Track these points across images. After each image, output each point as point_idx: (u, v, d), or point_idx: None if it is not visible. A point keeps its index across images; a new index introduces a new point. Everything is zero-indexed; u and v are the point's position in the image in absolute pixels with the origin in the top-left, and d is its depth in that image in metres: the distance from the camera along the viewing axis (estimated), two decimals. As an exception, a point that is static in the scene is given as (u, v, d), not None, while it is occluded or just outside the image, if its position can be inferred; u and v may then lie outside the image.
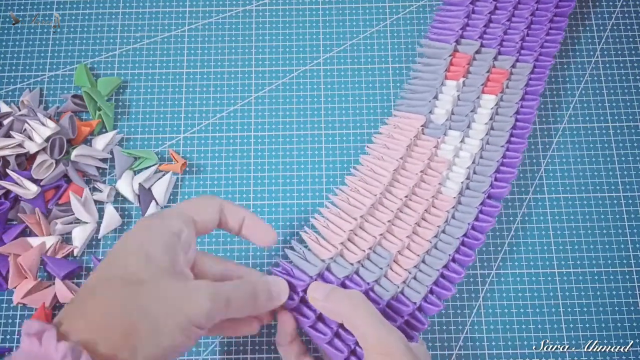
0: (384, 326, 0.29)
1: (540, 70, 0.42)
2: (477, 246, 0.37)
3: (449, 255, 0.36)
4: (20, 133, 0.41)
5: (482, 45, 0.42)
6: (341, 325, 0.32)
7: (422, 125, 0.40)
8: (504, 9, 0.43)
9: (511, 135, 0.40)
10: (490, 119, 0.40)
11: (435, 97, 0.41)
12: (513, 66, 0.42)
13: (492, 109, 0.40)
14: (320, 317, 0.34)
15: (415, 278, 0.35)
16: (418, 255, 0.36)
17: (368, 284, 0.35)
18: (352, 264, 0.35)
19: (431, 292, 0.35)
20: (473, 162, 0.39)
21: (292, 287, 0.34)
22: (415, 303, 0.34)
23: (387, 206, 0.38)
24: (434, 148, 0.39)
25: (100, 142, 0.43)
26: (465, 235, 0.37)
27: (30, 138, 0.40)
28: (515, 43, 0.42)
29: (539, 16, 0.43)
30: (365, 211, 0.37)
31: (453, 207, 0.38)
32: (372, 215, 0.37)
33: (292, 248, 0.36)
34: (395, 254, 0.36)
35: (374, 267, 0.35)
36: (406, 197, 0.38)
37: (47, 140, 0.40)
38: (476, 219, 0.37)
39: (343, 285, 0.35)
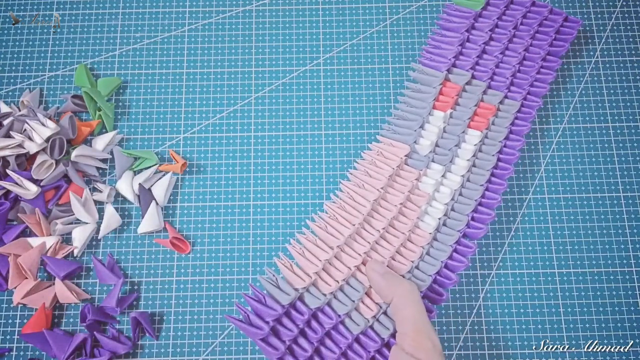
0: (423, 323, 0.32)
1: (527, 111, 0.41)
2: (449, 286, 0.37)
3: (421, 292, 0.36)
4: (20, 133, 0.41)
5: (473, 77, 0.42)
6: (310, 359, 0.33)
7: (405, 155, 0.40)
8: (498, 41, 0.43)
9: (491, 175, 0.40)
10: (474, 155, 0.40)
11: (422, 127, 0.41)
12: (501, 102, 0.41)
13: (476, 145, 0.40)
14: (289, 349, 0.34)
15: (385, 313, 0.35)
16: None
17: (339, 316, 0.35)
18: (324, 295, 0.35)
19: None
20: (452, 199, 0.39)
21: (263, 316, 0.34)
22: (383, 339, 0.34)
23: (365, 237, 0.37)
24: (415, 180, 0.39)
25: (100, 143, 0.43)
26: (438, 273, 0.37)
27: (30, 138, 0.40)
28: (505, 78, 0.42)
29: (532, 53, 0.43)
30: (343, 241, 0.37)
31: (428, 244, 0.38)
32: (349, 246, 0.37)
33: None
34: (368, 287, 0.36)
35: (347, 300, 0.35)
36: (383, 229, 0.38)
37: (47, 140, 0.40)
38: (450, 257, 0.37)
39: (314, 317, 0.35)
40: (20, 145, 0.40)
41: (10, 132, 0.41)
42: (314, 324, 0.35)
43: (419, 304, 0.33)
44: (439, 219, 0.38)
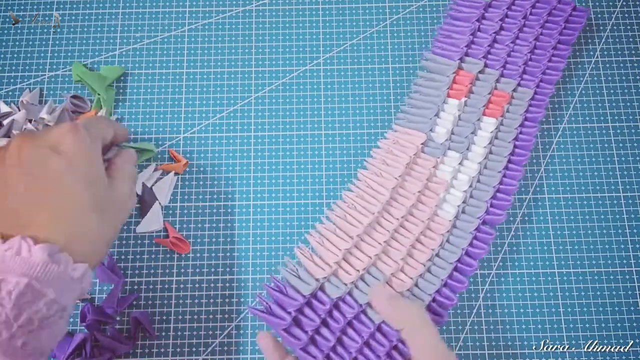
0: (437, 347, 0.31)
1: (540, 98, 0.42)
2: (470, 273, 0.37)
3: (442, 280, 0.36)
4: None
5: (485, 66, 0.42)
6: (332, 349, 0.33)
7: (422, 143, 0.40)
8: (509, 31, 0.43)
9: (509, 161, 0.40)
10: (490, 142, 0.40)
11: (437, 115, 0.41)
12: (514, 90, 0.42)
13: (492, 132, 0.40)
14: (312, 339, 0.34)
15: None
16: (411, 278, 0.36)
17: (361, 305, 0.35)
18: (345, 285, 0.35)
19: None
20: (470, 186, 0.39)
21: (284, 306, 0.34)
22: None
23: (384, 226, 0.37)
24: (432, 168, 0.39)
25: None
26: (458, 260, 0.37)
27: None
28: (518, 67, 0.42)
29: (542, 41, 0.43)
30: (362, 230, 0.37)
31: (448, 231, 0.38)
32: (369, 235, 0.37)
33: (288, 262, 0.36)
34: (389, 276, 0.36)
35: (368, 289, 0.35)
36: (402, 217, 0.38)
37: None
38: (470, 244, 0.37)
39: (336, 307, 0.35)
40: None
41: (13, 131, 0.41)
42: (335, 313, 0.35)
43: (430, 327, 0.32)
44: (458, 206, 0.38)
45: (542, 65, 0.42)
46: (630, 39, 0.46)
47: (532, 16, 0.44)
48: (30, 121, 0.42)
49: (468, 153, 0.40)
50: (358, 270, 0.36)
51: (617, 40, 0.46)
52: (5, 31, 0.47)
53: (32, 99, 0.44)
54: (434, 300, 0.35)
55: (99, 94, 0.44)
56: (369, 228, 0.37)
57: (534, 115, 0.41)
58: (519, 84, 0.42)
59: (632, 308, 0.40)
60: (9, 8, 0.48)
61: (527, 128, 0.41)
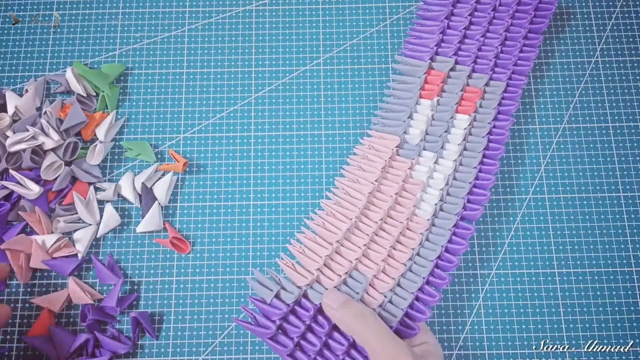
0: (392, 341, 0.32)
1: (513, 90, 0.41)
2: (451, 269, 0.37)
3: (424, 278, 0.36)
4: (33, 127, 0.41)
5: (456, 63, 0.42)
6: (319, 353, 0.34)
7: (396, 146, 0.40)
8: (478, 25, 0.43)
9: (484, 156, 0.40)
10: (464, 139, 0.40)
11: (410, 117, 0.41)
12: (486, 84, 0.41)
13: (465, 129, 0.40)
14: (298, 345, 0.34)
15: (391, 301, 0.35)
16: (393, 278, 0.36)
17: None
18: (328, 290, 0.35)
19: (407, 315, 0.35)
20: (446, 184, 0.39)
21: (269, 316, 0.34)
22: (391, 327, 0.34)
23: (363, 230, 0.38)
24: (408, 170, 0.39)
25: (102, 130, 0.43)
26: (439, 257, 0.37)
27: (45, 134, 0.41)
28: (489, 60, 0.42)
29: (513, 32, 0.43)
30: (341, 236, 0.37)
31: (427, 230, 0.38)
32: (348, 240, 0.38)
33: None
34: (371, 278, 0.36)
35: (351, 292, 0.35)
36: (381, 220, 0.38)
37: (63, 134, 0.41)
38: (450, 241, 0.37)
39: (320, 311, 0.35)
40: (34, 137, 0.40)
41: (27, 126, 0.41)
42: (320, 318, 0.35)
43: (379, 325, 0.33)
44: (435, 204, 0.38)
45: (514, 57, 0.42)
46: (630, 39, 0.46)
47: (501, 7, 0.44)
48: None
49: (443, 151, 0.40)
50: (339, 275, 0.36)
51: (617, 40, 0.46)
52: (5, 31, 0.47)
53: (37, 88, 0.44)
54: (417, 298, 0.36)
55: (102, 92, 0.44)
56: (348, 233, 0.38)
57: (507, 108, 0.41)
58: (490, 78, 0.42)
59: (632, 308, 0.40)
60: (9, 8, 0.48)
61: (500, 122, 0.41)
